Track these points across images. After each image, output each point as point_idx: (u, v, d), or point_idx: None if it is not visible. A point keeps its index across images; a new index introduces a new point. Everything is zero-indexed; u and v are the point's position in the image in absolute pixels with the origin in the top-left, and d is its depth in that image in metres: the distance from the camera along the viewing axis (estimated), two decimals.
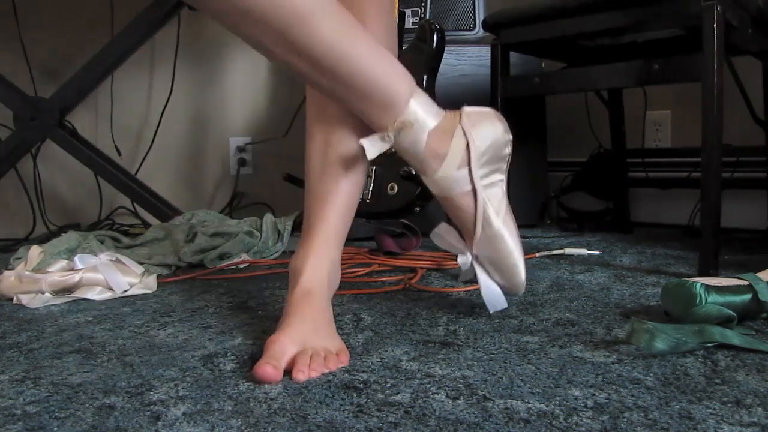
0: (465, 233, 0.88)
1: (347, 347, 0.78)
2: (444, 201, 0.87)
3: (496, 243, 0.86)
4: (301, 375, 0.68)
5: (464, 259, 0.88)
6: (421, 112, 0.81)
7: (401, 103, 0.80)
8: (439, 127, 0.83)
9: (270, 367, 0.68)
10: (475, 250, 0.87)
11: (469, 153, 0.84)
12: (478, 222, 0.85)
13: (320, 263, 0.83)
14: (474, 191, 0.85)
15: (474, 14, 1.83)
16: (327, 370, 0.71)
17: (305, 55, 0.74)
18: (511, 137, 0.89)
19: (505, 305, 0.90)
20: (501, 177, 0.88)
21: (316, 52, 0.73)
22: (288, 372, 0.70)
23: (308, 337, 0.74)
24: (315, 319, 0.77)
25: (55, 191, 2.26)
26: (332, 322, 0.80)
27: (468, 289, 1.10)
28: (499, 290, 0.89)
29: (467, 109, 0.86)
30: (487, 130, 0.86)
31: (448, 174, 0.84)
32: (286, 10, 0.70)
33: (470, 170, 0.84)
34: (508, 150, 0.88)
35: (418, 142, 0.82)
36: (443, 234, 0.90)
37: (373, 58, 0.78)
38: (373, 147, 0.80)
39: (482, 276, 0.88)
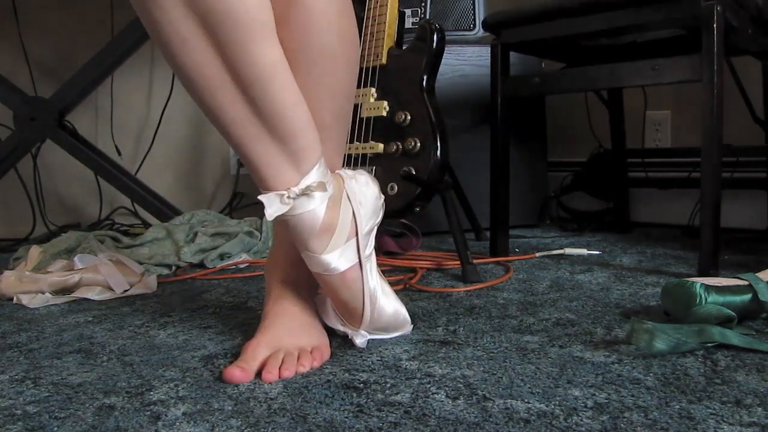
0: (348, 312, 0.80)
1: (347, 346, 0.79)
2: (326, 279, 0.76)
3: (383, 316, 0.80)
4: (270, 376, 0.69)
5: (363, 340, 0.79)
6: (324, 178, 0.72)
7: (310, 162, 0.71)
8: (332, 196, 0.74)
9: (238, 371, 0.69)
10: (363, 327, 0.79)
11: (356, 222, 0.76)
12: (366, 300, 0.78)
13: (292, 265, 0.82)
14: (360, 264, 0.77)
15: (474, 14, 1.83)
16: (302, 369, 0.71)
17: (239, 71, 0.66)
18: (383, 199, 0.82)
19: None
20: (374, 243, 0.80)
21: (254, 71, 0.66)
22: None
23: (281, 339, 0.75)
24: (289, 321, 0.78)
25: (55, 191, 2.26)
26: (310, 321, 0.80)
27: (468, 289, 1.10)
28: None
29: (345, 174, 0.78)
30: (367, 194, 0.79)
31: (338, 248, 0.75)
32: (241, 18, 0.64)
33: (357, 241, 0.76)
34: (381, 214, 0.81)
35: (318, 213, 0.72)
36: (329, 308, 0.82)
37: (300, 106, 0.71)
38: (271, 206, 0.70)
39: (373, 336, 0.82)
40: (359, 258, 0.77)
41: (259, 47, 0.66)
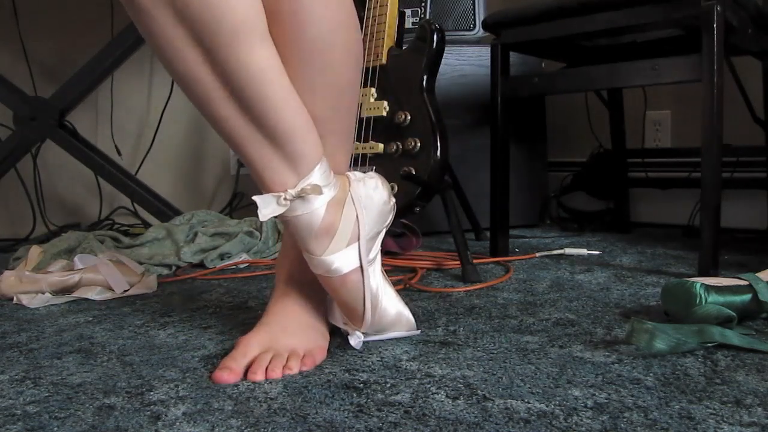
0: (349, 312, 0.79)
1: (348, 346, 0.79)
2: (327, 281, 0.76)
3: (385, 318, 0.79)
4: (255, 376, 0.70)
5: (357, 341, 0.79)
6: (324, 180, 0.72)
7: (309, 164, 0.70)
8: (334, 199, 0.73)
9: (225, 373, 0.70)
10: (364, 329, 0.79)
11: (359, 227, 0.75)
12: (367, 303, 0.77)
13: (298, 264, 0.81)
14: (361, 268, 0.76)
15: (474, 14, 1.83)
16: (290, 371, 0.71)
17: (229, 75, 0.66)
18: (393, 203, 0.81)
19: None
20: (379, 247, 0.79)
21: (243, 76, 0.66)
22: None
23: (275, 339, 0.75)
24: (286, 320, 0.78)
25: (55, 191, 2.26)
26: (310, 322, 0.79)
27: (468, 289, 1.10)
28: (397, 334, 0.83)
29: (354, 176, 0.77)
30: (374, 198, 0.77)
31: (338, 251, 0.74)
32: (227, 24, 0.64)
33: (359, 246, 0.75)
34: (390, 218, 0.80)
35: (316, 215, 0.71)
36: (334, 306, 0.82)
37: (294, 106, 0.70)
38: (266, 207, 0.69)
39: (375, 337, 0.82)
40: (361, 262, 0.76)
41: (245, 53, 0.65)
